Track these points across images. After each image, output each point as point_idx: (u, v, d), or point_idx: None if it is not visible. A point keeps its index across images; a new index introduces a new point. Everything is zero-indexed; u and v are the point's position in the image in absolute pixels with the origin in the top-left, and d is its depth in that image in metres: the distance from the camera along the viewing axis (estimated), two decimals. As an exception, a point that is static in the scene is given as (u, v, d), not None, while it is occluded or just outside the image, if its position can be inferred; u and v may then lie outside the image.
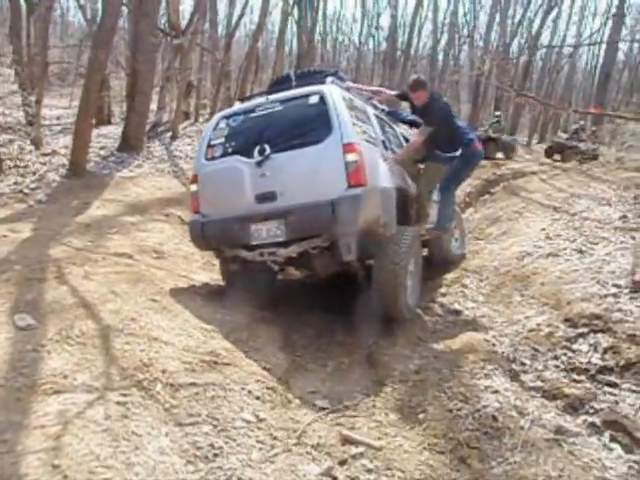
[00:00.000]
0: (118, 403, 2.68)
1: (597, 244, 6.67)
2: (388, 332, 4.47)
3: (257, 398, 3.12)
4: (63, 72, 23.37)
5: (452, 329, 4.74)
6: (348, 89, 4.87)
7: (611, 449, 2.99)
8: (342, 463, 2.80)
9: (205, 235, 4.35)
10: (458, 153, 5.28)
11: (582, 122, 19.34)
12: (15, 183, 6.54)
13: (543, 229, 7.67)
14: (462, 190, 10.94)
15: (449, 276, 6.32)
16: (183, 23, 13.49)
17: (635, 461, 2.88)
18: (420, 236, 5.18)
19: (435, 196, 5.64)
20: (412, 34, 25.47)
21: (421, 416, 3.33)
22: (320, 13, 22.75)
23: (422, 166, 5.58)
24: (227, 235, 4.26)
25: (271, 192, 4.09)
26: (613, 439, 3.10)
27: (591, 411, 3.38)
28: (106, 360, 3.04)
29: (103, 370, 2.94)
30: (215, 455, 2.53)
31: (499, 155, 16.49)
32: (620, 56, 33.53)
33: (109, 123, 12.66)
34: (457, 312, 5.21)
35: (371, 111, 5.12)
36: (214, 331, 3.68)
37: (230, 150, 4.38)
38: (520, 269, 6.00)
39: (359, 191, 3.93)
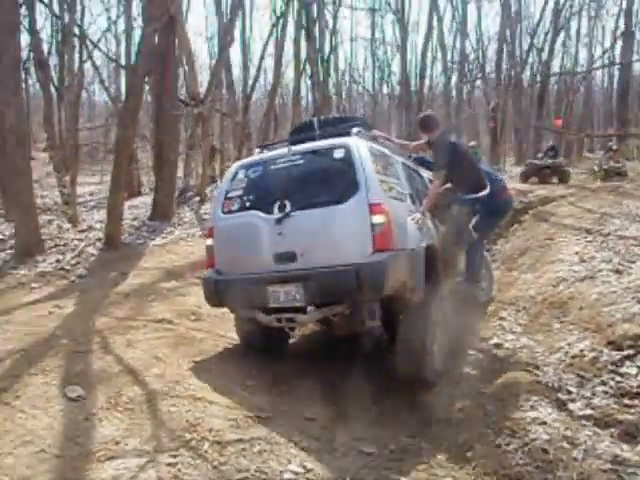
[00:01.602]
0: (169, 465, 2.76)
1: (634, 262, 6.57)
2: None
3: (303, 449, 3.15)
4: (93, 150, 24.63)
5: (493, 364, 4.68)
6: (375, 138, 4.70)
7: (671, 475, 2.88)
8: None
9: (219, 294, 4.10)
10: (481, 194, 4.97)
11: (552, 142, 18.99)
12: (57, 261, 6.88)
13: (576, 252, 7.57)
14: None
15: (486, 310, 6.27)
16: (202, 92, 14.22)
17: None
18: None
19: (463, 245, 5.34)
20: (423, 75, 26.10)
21: (469, 454, 3.28)
22: (332, 66, 23.62)
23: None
24: (242, 296, 3.98)
25: (291, 252, 3.83)
26: (674, 464, 2.99)
27: (649, 437, 3.27)
28: (154, 424, 3.14)
29: (152, 434, 3.04)
30: (266, 510, 2.56)
31: (554, 180, 16.59)
32: (637, 69, 33.51)
33: (139, 194, 13.23)
34: (497, 345, 5.14)
35: (398, 161, 4.83)
36: (255, 386, 3.75)
37: (248, 204, 4.14)
38: (556, 295, 5.91)
39: (385, 256, 3.64)
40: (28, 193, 7.06)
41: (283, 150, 4.32)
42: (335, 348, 4.47)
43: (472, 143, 16.06)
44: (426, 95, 27.84)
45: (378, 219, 3.69)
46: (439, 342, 4.28)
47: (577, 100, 30.36)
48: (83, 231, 8.48)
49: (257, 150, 4.92)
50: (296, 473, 2.91)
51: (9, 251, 7.19)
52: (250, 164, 4.42)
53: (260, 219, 3.96)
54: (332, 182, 3.96)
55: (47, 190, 12.85)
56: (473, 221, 5.38)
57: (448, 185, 4.91)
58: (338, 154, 3.99)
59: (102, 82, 18.36)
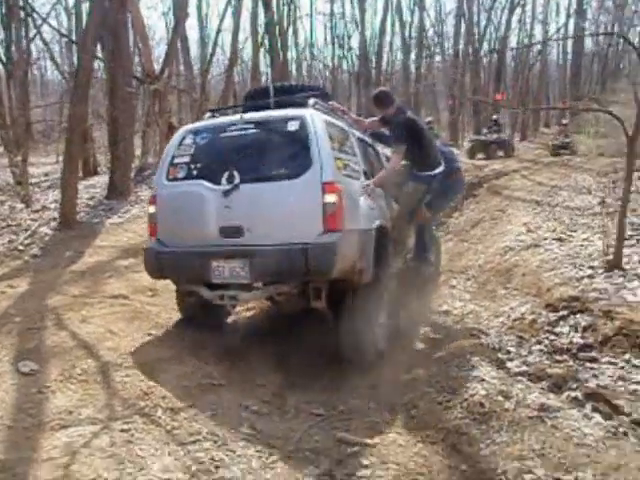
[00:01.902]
0: (122, 431, 2.86)
1: (576, 231, 6.94)
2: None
3: (254, 412, 3.30)
4: (47, 129, 23.79)
5: (441, 329, 4.93)
6: (332, 110, 4.57)
7: (590, 418, 3.16)
8: (339, 463, 2.96)
9: (161, 266, 3.94)
10: (436, 171, 4.94)
11: (497, 115, 18.90)
12: (9, 241, 6.77)
13: (524, 223, 7.93)
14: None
15: (437, 281, 6.51)
16: (158, 68, 13.91)
17: (613, 426, 3.05)
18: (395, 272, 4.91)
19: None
20: (381, 51, 26.15)
21: (413, 412, 3.49)
22: (291, 41, 23.39)
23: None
24: (185, 270, 3.87)
25: (238, 227, 3.67)
26: (594, 409, 3.27)
27: (574, 387, 3.55)
28: (108, 393, 3.23)
29: (106, 403, 3.12)
30: (217, 467, 2.70)
31: (500, 154, 16.83)
32: (588, 46, 34.38)
33: (96, 173, 12.95)
34: (446, 312, 5.40)
35: (355, 135, 4.69)
36: (208, 357, 3.86)
37: (195, 172, 3.93)
38: (502, 264, 6.22)
39: (335, 238, 3.53)
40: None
41: (235, 117, 4.14)
42: (288, 320, 4.58)
43: (429, 119, 16.21)
44: (385, 71, 27.92)
45: (330, 198, 3.56)
46: (383, 322, 4.25)
47: (532, 77, 30.92)
48: (37, 211, 8.32)
49: (207, 114, 4.63)
50: (246, 434, 3.06)
51: (-41, 233, 7.04)
52: (199, 129, 4.17)
53: (207, 189, 3.76)
54: (284, 156, 3.79)
55: (-1, 171, 12.44)
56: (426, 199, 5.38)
57: (403, 162, 4.83)
58: (292, 126, 3.80)
59: (53, 59, 17.71)
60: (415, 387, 3.77)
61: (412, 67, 28.46)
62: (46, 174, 13.25)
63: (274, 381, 3.79)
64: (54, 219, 7.73)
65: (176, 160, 4.04)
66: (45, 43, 16.64)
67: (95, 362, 3.54)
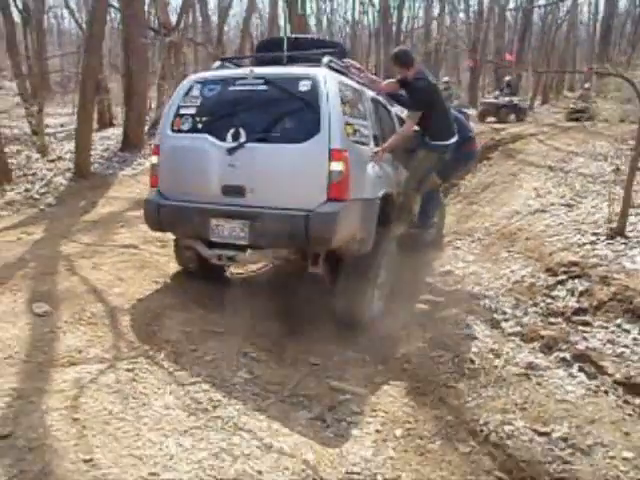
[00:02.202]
0: (127, 370, 3.05)
1: (586, 198, 6.90)
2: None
3: (253, 359, 3.47)
4: (64, 80, 23.73)
5: (441, 287, 5.04)
6: (347, 68, 4.39)
7: (575, 377, 3.28)
8: (331, 409, 3.13)
9: (160, 219, 3.91)
10: (450, 141, 4.66)
11: (510, 76, 17.96)
12: (25, 190, 6.95)
13: (535, 188, 7.88)
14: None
15: (443, 240, 6.58)
16: (174, 20, 13.73)
17: (595, 385, 3.18)
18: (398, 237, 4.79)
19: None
20: (402, 7, 25.34)
21: (406, 365, 3.63)
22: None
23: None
24: (184, 225, 3.86)
25: (240, 186, 3.61)
26: (580, 369, 3.39)
27: (564, 348, 3.66)
28: (115, 335, 3.41)
29: (113, 344, 3.31)
30: (214, 407, 2.88)
31: (512, 118, 16.28)
32: (622, 6, 32.87)
33: (111, 125, 13.02)
34: (448, 272, 5.49)
35: (368, 97, 4.48)
36: (212, 305, 4.03)
37: (200, 126, 3.82)
38: (508, 227, 6.25)
39: (338, 207, 3.45)
40: (-9, 121, 7.00)
41: (244, 71, 3.98)
42: (292, 276, 4.70)
43: (446, 79, 15.92)
44: (406, 27, 27.13)
45: (337, 166, 3.46)
46: (380, 289, 4.25)
47: (559, 37, 29.76)
48: (52, 161, 8.46)
49: (216, 64, 4.42)
50: (244, 379, 3.23)
51: (-23, 180, 7.21)
52: (207, 80, 4.01)
53: (211, 145, 3.68)
54: (293, 117, 3.70)
55: (16, 120, 12.54)
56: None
57: (415, 127, 4.57)
58: (303, 86, 3.63)
59: (68, 7, 17.49)
60: (410, 343, 3.90)
61: (434, 24, 27.57)
62: (62, 125, 13.34)
63: (275, 331, 3.94)
64: (69, 169, 7.88)
65: (182, 111, 3.93)
66: (61, -10, 16.37)
67: (104, 306, 3.73)
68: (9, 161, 7.90)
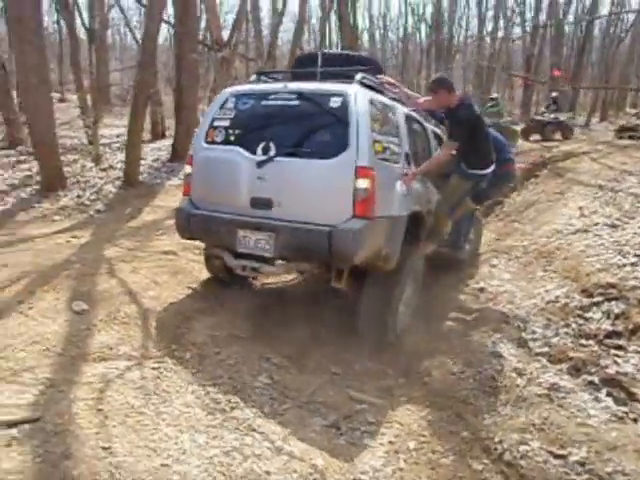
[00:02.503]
0: (153, 368, 3.20)
1: (634, 218, 6.64)
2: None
3: (274, 364, 3.55)
4: (124, 93, 24.90)
5: (471, 305, 4.98)
6: (382, 84, 4.38)
7: (600, 402, 3.19)
8: (346, 417, 3.16)
9: (190, 228, 4.01)
10: (487, 171, 4.57)
11: (557, 92, 17.21)
12: (77, 196, 7.37)
13: (580, 207, 7.65)
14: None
15: (480, 257, 6.49)
16: (226, 36, 14.23)
17: (623, 411, 3.08)
18: (427, 255, 4.76)
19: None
20: (453, 23, 25.23)
21: (426, 379, 3.62)
22: (365, 10, 23.01)
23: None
24: (213, 234, 3.93)
25: (268, 199, 3.67)
26: (609, 394, 3.30)
27: (592, 371, 3.56)
28: (145, 336, 3.59)
29: (142, 343, 3.48)
30: (232, 408, 2.97)
31: (557, 136, 15.80)
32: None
33: (163, 137, 13.57)
34: (481, 289, 5.41)
35: (402, 113, 4.43)
36: (240, 311, 4.15)
37: (232, 138, 3.91)
38: (547, 246, 6.10)
39: (362, 225, 3.47)
40: (50, 131, 7.47)
41: (279, 85, 4.05)
42: (319, 286, 4.77)
43: (495, 95, 15.64)
44: (458, 42, 26.93)
45: (363, 184, 3.47)
46: (406, 306, 4.24)
47: (619, 53, 28.68)
48: (105, 170, 8.93)
49: (253, 77, 4.55)
50: (264, 383, 3.32)
51: (35, 187, 7.70)
52: (242, 93, 4.10)
53: (242, 158, 3.76)
54: (322, 133, 3.73)
55: (77, 132, 13.28)
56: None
57: (453, 152, 4.45)
58: (334, 103, 3.67)
59: (128, 24, 18.46)
60: (433, 357, 3.89)
61: (487, 39, 27.23)
62: (118, 135, 13.98)
63: (299, 339, 3.99)
64: (119, 178, 8.29)
65: (216, 123, 4.02)
66: (122, 10, 17.35)
67: (137, 308, 3.92)
68: (65, 169, 8.39)
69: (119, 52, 38.26)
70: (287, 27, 26.88)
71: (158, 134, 13.55)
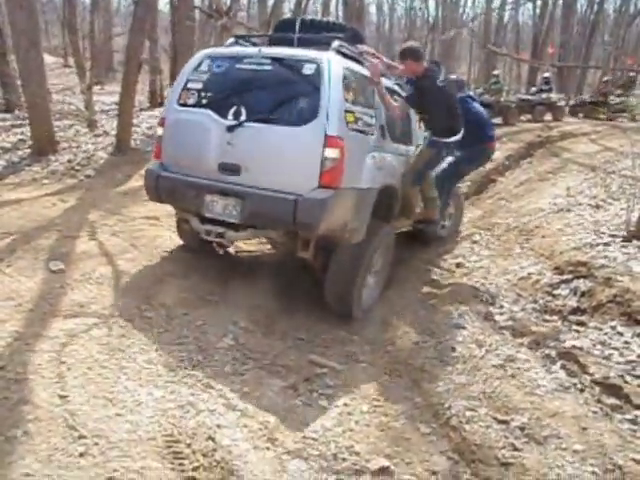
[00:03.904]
0: (120, 326, 3.32)
1: (619, 200, 6.68)
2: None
3: (241, 328, 3.66)
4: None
5: (446, 279, 5.07)
6: (360, 54, 4.26)
7: (552, 373, 3.28)
8: (306, 380, 3.27)
9: (158, 189, 3.97)
10: (448, 140, 4.60)
11: (548, 73, 16.92)
12: (68, 161, 7.41)
13: (568, 187, 7.67)
14: (502, 154, 10.93)
15: (463, 233, 6.55)
16: (227, 4, 14.02)
17: (572, 382, 3.18)
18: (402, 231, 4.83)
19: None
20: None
21: (389, 348, 3.74)
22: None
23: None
24: (181, 198, 3.92)
25: (236, 165, 3.65)
26: (563, 367, 3.39)
27: (551, 345, 3.66)
28: (117, 295, 3.70)
29: (113, 303, 3.59)
30: (193, 367, 3.09)
31: (547, 117, 15.56)
32: None
33: (162, 105, 13.50)
34: (458, 265, 5.49)
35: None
36: (211, 276, 4.25)
37: (204, 101, 3.86)
38: (528, 224, 6.15)
39: (327, 195, 3.45)
40: (41, 95, 7.45)
41: (253, 50, 4.00)
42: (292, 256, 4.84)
43: (496, 72, 15.46)
44: (463, 16, 26.41)
45: (331, 153, 3.44)
46: (376, 277, 4.30)
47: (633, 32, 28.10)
48: (98, 136, 8.92)
49: (230, 40, 4.41)
50: (228, 345, 3.43)
51: (27, 150, 7.74)
52: (216, 56, 4.04)
53: (212, 122, 3.71)
54: (294, 100, 3.67)
55: (77, 97, 13.23)
56: (445, 165, 5.28)
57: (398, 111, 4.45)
58: (308, 70, 3.62)
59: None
60: (399, 327, 3.99)
61: (494, 14, 26.72)
62: (117, 103, 13.94)
63: (269, 306, 4.08)
64: (112, 144, 8.30)
65: (190, 85, 3.96)
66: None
67: (112, 269, 4.03)
68: (59, 134, 8.41)
69: (124, 19, 37.73)
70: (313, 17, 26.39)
71: (156, 102, 13.46)
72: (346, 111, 3.62)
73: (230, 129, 3.65)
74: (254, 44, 4.39)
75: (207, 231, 3.84)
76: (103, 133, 9.08)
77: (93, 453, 2.15)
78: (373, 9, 27.97)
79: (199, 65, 4.01)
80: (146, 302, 3.65)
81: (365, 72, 4.15)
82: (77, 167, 7.28)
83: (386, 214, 4.36)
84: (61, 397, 2.49)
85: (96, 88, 10.77)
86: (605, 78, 16.95)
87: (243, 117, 3.66)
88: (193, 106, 3.90)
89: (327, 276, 3.95)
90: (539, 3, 25.80)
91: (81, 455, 2.13)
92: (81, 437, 2.24)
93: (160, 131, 4.07)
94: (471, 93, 7.39)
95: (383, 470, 2.52)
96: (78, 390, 2.59)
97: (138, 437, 2.34)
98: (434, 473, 2.56)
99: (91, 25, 10.98)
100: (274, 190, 3.55)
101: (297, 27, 4.16)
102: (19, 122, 9.95)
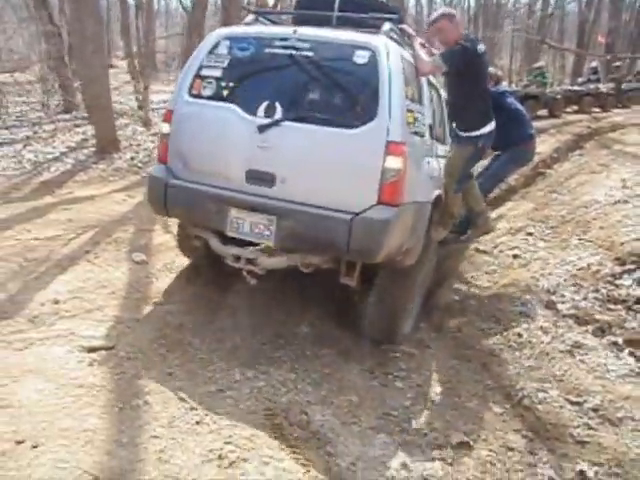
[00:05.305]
0: (203, 313, 3.58)
1: (677, 191, 6.58)
2: (441, 273, 4.97)
3: (316, 317, 3.86)
4: (169, 59, 25.31)
5: (504, 270, 5.15)
6: (409, 37, 3.52)
7: (621, 359, 3.36)
8: (380, 364, 3.45)
9: (167, 202, 3.20)
10: (483, 130, 3.75)
11: (596, 62, 16.36)
12: (131, 158, 7.80)
13: (623, 179, 7.58)
14: (549, 147, 10.84)
15: (514, 225, 6.59)
16: (271, 2, 14.28)
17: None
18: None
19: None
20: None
21: (457, 334, 3.88)
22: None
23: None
24: (197, 213, 3.17)
25: (270, 174, 2.96)
26: (630, 354, 3.46)
27: (617, 332, 3.72)
28: (196, 285, 3.96)
29: (193, 292, 3.86)
30: (276, 349, 3.32)
31: (595, 109, 15.19)
32: None
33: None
34: (515, 256, 5.56)
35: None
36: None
37: (225, 93, 3.13)
38: (584, 216, 6.15)
39: (389, 214, 2.83)
40: (105, 97, 7.86)
41: (286, 30, 3.24)
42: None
43: (540, 64, 15.18)
44: (507, 6, 25.88)
45: (394, 163, 2.82)
46: (416, 304, 3.82)
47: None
48: (155, 134, 9.32)
49: (250, 17, 3.63)
50: (305, 332, 3.65)
51: (91, 149, 8.16)
52: (238, 37, 3.27)
53: (239, 119, 3.02)
54: (344, 95, 3.02)
55: (125, 97, 13.77)
56: (483, 171, 5.11)
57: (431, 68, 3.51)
58: (360, 58, 2.95)
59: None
60: (464, 314, 4.13)
61: (538, 4, 26.12)
62: (165, 101, 14.40)
63: (338, 298, 4.28)
64: (168, 142, 8.67)
65: (203, 71, 3.20)
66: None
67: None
68: (118, 132, 8.84)
69: (164, 18, 38.68)
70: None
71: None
72: (408, 110, 3.04)
73: (262, 129, 2.97)
74: (275, 22, 3.77)
75: (236, 257, 3.13)
76: (159, 132, 9.47)
77: (207, 422, 2.40)
78: (412, 1, 27.68)
79: (215, 47, 3.24)
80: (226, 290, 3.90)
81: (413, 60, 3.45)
82: (139, 164, 7.66)
83: (430, 227, 3.79)
84: (168, 374, 2.75)
85: (141, 87, 11.19)
86: (617, 63, 16.26)
87: (278, 115, 2.98)
88: (210, 98, 3.17)
89: (369, 305, 3.42)
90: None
91: (197, 423, 2.37)
92: (192, 409, 2.49)
93: (166, 128, 3.30)
94: (507, 88, 7.17)
95: (463, 445, 2.69)
96: (179, 369, 2.86)
97: (241, 410, 2.58)
98: (511, 449, 2.71)
99: (143, 27, 11.37)
100: (319, 206, 2.90)
101: (336, 3, 3.45)
102: (78, 122, 10.47)
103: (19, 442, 2.03)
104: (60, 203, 5.69)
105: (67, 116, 11.09)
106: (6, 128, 9.65)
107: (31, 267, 3.93)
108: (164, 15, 39.39)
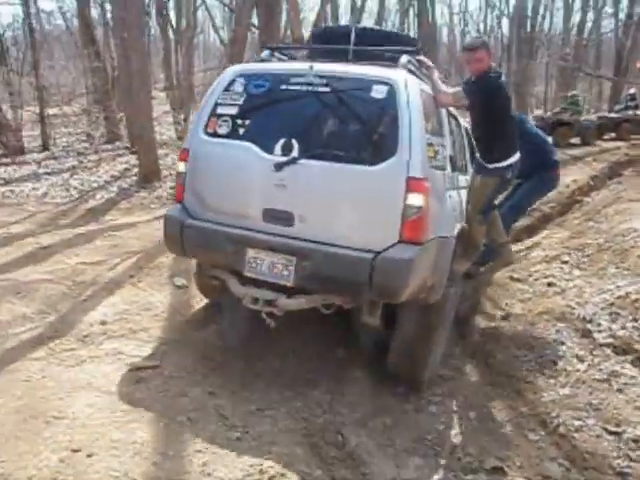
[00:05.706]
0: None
1: None
2: (476, 299, 5.00)
3: (348, 339, 3.95)
4: (206, 91, 26.13)
5: (539, 298, 5.13)
6: (428, 69, 3.46)
7: (661, 390, 3.31)
8: (414, 388, 3.49)
9: (183, 242, 3.18)
10: (509, 161, 3.64)
11: (634, 89, 15.87)
12: (171, 188, 8.12)
13: (662, 208, 7.48)
14: (586, 175, 10.77)
15: (550, 253, 6.55)
16: (306, 34, 14.76)
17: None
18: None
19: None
20: (537, 14, 24.31)
21: (490, 360, 3.89)
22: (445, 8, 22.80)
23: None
24: (214, 252, 3.14)
25: (288, 213, 2.92)
26: (674, 385, 3.40)
27: (658, 364, 3.67)
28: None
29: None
30: (308, 372, 3.41)
31: (634, 137, 14.96)
32: None
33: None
34: (549, 284, 5.53)
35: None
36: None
37: (241, 131, 3.10)
38: (621, 244, 6.08)
39: (412, 253, 2.73)
40: (149, 129, 8.29)
41: (302, 66, 3.15)
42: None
43: (574, 92, 15.11)
44: (541, 34, 25.84)
45: (415, 200, 2.74)
46: (443, 338, 3.58)
47: None
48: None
49: (265, 53, 3.56)
50: (338, 357, 3.73)
51: (133, 178, 8.56)
52: (253, 73, 3.26)
53: (255, 157, 2.98)
54: (362, 131, 2.97)
55: (164, 127, 14.35)
56: (507, 201, 5.04)
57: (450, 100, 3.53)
58: (378, 93, 2.91)
59: (214, 26, 19.52)
60: (498, 341, 4.14)
61: (574, 31, 25.98)
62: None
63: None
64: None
65: (219, 110, 3.19)
66: (208, 12, 18.39)
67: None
68: (159, 162, 9.24)
69: (202, 51, 40.14)
70: (366, 24, 27.13)
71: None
72: (428, 145, 2.96)
73: (279, 167, 2.92)
74: (292, 58, 3.75)
75: (254, 299, 3.02)
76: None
77: (247, 439, 2.51)
78: (444, 32, 28.10)
79: (231, 84, 3.23)
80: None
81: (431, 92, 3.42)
82: (179, 193, 7.97)
83: (454, 260, 3.59)
84: (210, 393, 2.88)
85: (181, 118, 11.70)
86: (632, 90, 15.80)
87: (295, 152, 2.93)
88: (226, 137, 3.15)
89: (392, 350, 3.31)
90: (621, 17, 24.98)
91: (237, 439, 2.48)
92: (233, 426, 2.60)
93: (182, 167, 3.29)
94: (523, 116, 6.67)
95: (497, 470, 2.70)
96: (220, 388, 2.98)
97: (279, 429, 2.67)
98: (547, 477, 2.70)
99: (187, 60, 11.97)
100: (339, 245, 2.83)
101: (352, 36, 3.33)
102: (121, 152, 10.99)
103: (75, 451, 2.18)
104: (105, 229, 6.00)
105: (110, 146, 11.66)
106: (54, 158, 10.24)
107: (79, 290, 4.17)
108: (202, 48, 40.87)
